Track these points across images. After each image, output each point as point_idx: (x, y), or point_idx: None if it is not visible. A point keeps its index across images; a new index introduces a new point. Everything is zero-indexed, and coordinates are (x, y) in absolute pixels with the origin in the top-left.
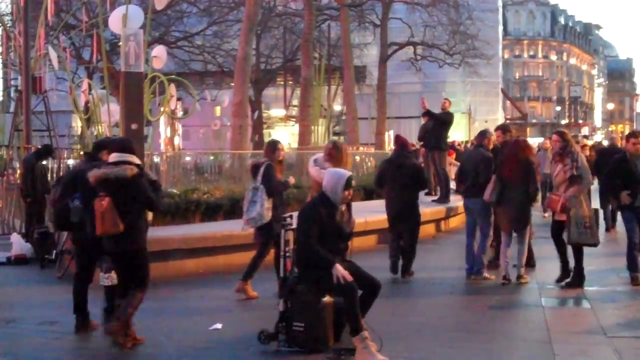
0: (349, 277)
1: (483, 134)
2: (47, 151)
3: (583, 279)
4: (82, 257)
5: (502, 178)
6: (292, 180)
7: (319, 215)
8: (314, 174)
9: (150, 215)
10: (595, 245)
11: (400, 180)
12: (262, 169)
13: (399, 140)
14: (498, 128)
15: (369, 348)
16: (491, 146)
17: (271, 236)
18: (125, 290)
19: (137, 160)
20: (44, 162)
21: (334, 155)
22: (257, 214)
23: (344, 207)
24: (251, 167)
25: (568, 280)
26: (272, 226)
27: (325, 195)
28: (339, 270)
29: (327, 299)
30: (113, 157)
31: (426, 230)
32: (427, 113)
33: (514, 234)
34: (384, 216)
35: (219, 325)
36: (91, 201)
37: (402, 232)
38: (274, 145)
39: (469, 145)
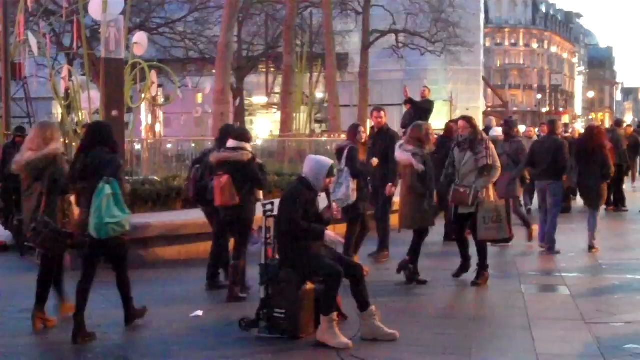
0: (340, 240)
1: (554, 123)
2: None
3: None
4: (216, 228)
5: (580, 161)
6: (375, 161)
7: (303, 198)
8: (403, 158)
9: (260, 194)
10: (507, 240)
11: None
12: (345, 152)
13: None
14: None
15: (333, 329)
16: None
17: (358, 215)
18: (237, 252)
19: (250, 147)
20: None
21: (424, 140)
22: (343, 195)
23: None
24: (336, 151)
25: (473, 280)
26: (358, 206)
27: (307, 181)
28: (330, 235)
29: (308, 286)
30: (231, 143)
31: None
32: (409, 101)
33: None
34: None
35: (200, 312)
36: None
37: None
38: (355, 128)
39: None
